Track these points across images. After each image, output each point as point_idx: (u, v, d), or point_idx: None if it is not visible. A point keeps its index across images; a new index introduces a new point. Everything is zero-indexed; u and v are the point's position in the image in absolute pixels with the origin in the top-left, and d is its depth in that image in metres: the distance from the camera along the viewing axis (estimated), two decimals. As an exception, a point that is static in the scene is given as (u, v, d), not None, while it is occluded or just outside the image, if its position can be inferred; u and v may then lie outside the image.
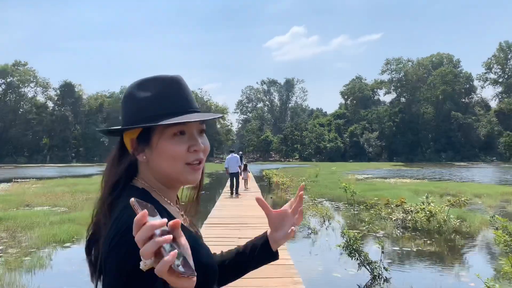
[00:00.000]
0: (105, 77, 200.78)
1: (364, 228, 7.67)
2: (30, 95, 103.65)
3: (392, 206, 11.99)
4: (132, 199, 0.71)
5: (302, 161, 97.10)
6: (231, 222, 9.74)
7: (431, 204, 11.17)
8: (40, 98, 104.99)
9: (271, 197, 18.39)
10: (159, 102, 0.97)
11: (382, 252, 6.63)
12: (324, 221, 11.73)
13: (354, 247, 6.37)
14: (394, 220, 11.15)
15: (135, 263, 0.71)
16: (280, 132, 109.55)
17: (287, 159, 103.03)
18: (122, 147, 1.02)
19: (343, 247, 6.58)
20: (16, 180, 30.55)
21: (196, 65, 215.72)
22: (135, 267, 0.72)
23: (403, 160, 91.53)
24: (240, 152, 31.50)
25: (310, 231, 10.25)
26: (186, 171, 0.97)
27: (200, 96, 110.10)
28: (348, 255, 6.52)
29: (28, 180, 30.11)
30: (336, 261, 7.45)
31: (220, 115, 1.09)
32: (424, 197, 11.70)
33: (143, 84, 1.00)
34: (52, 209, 14.43)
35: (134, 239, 0.68)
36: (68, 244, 8.99)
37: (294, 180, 24.03)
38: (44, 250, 8.47)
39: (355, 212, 13.62)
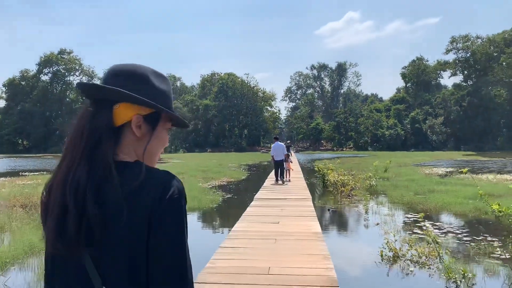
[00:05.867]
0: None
1: None
2: (75, 83, 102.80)
3: None
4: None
5: (356, 150, 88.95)
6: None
7: None
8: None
9: (330, 209, 11.75)
10: (170, 99, 1.13)
11: None
12: (449, 283, 5.42)
13: None
14: None
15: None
16: (332, 119, 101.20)
17: (340, 148, 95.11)
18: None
19: None
20: (23, 173, 26.21)
21: (246, 55, 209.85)
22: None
23: (472, 149, 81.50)
24: (288, 141, 26.05)
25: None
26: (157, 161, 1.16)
27: (246, 82, 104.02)
28: None
29: (36, 173, 25.61)
30: None
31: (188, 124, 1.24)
32: None
33: (160, 76, 1.12)
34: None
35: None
36: None
37: (357, 177, 17.49)
38: None
39: (497, 255, 7.08)
